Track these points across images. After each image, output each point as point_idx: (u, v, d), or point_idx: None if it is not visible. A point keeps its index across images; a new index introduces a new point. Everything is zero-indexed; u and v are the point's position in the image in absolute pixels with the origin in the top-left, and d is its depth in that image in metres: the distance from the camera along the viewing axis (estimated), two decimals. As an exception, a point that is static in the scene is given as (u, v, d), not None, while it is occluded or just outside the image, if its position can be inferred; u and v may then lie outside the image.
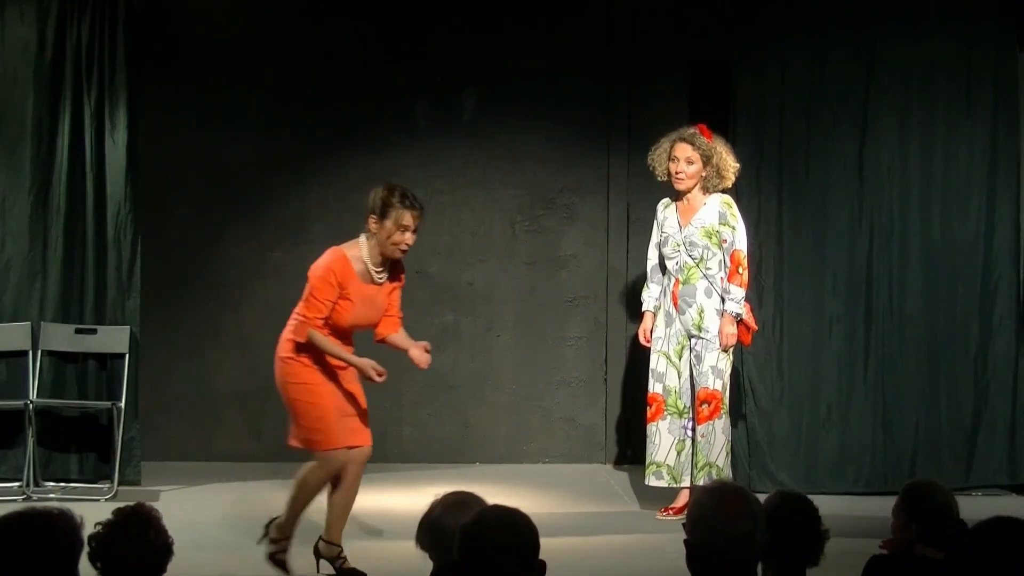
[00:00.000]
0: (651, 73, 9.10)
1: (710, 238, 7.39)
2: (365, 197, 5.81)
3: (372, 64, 9.05)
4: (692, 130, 7.45)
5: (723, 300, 7.38)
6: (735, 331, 7.38)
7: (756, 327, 7.65)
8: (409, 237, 5.97)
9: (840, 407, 8.30)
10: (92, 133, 8.16)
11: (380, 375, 5.97)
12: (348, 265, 5.97)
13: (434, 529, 3.67)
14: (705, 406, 7.37)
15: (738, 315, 7.39)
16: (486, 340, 9.20)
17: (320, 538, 6.15)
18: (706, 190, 7.44)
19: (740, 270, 7.38)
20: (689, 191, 7.43)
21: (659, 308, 7.54)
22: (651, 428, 7.50)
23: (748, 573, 3.29)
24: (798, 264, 8.35)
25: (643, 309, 7.62)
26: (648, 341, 7.56)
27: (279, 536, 6.12)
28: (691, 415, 7.44)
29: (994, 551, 3.28)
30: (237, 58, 9.01)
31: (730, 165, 7.45)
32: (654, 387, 7.51)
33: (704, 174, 7.40)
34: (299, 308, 5.97)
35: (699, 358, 7.39)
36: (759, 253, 8.31)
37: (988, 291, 8.31)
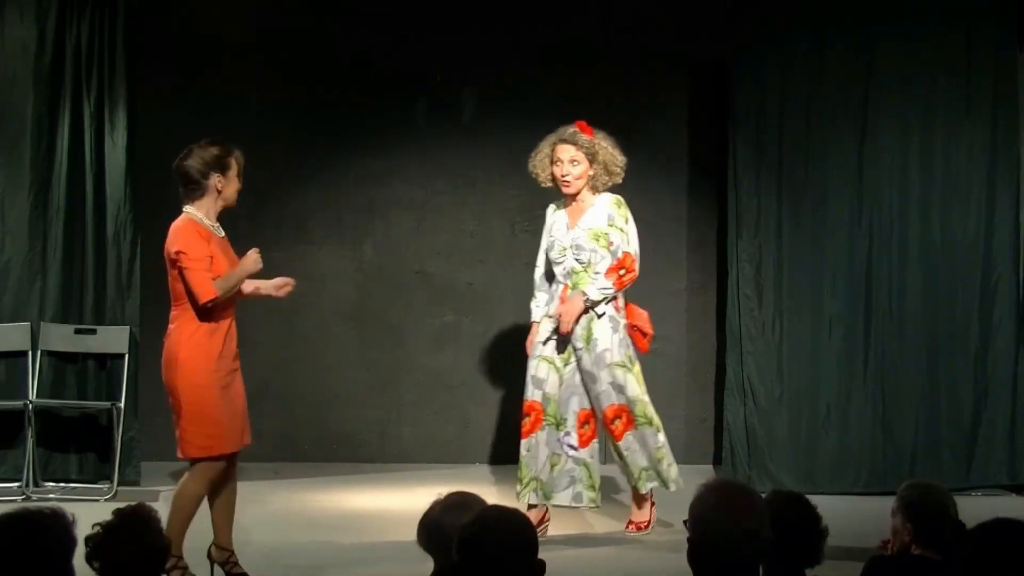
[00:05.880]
0: (651, 73, 9.10)
1: (598, 240, 6.86)
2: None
3: (372, 64, 9.05)
4: (572, 129, 6.94)
5: (607, 303, 6.83)
6: (577, 312, 6.74)
7: (652, 332, 7.07)
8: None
9: (840, 407, 8.30)
10: (92, 133, 8.16)
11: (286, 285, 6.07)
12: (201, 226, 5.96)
13: (434, 530, 3.68)
14: (617, 421, 6.83)
15: (589, 300, 6.76)
16: (486, 340, 9.19)
17: (212, 544, 5.98)
18: (595, 189, 6.94)
19: (622, 272, 6.84)
20: (578, 193, 6.95)
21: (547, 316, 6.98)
22: (529, 441, 6.87)
23: (751, 572, 3.28)
24: (798, 264, 8.35)
25: (531, 320, 7.07)
26: None
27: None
28: (567, 428, 6.87)
29: (993, 553, 3.27)
30: (237, 58, 9.02)
31: (618, 160, 6.93)
32: (533, 394, 6.87)
33: (592, 172, 6.90)
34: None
35: (593, 378, 6.81)
36: (759, 253, 8.32)
37: (988, 291, 8.31)
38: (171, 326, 5.89)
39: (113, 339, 8.10)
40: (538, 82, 9.03)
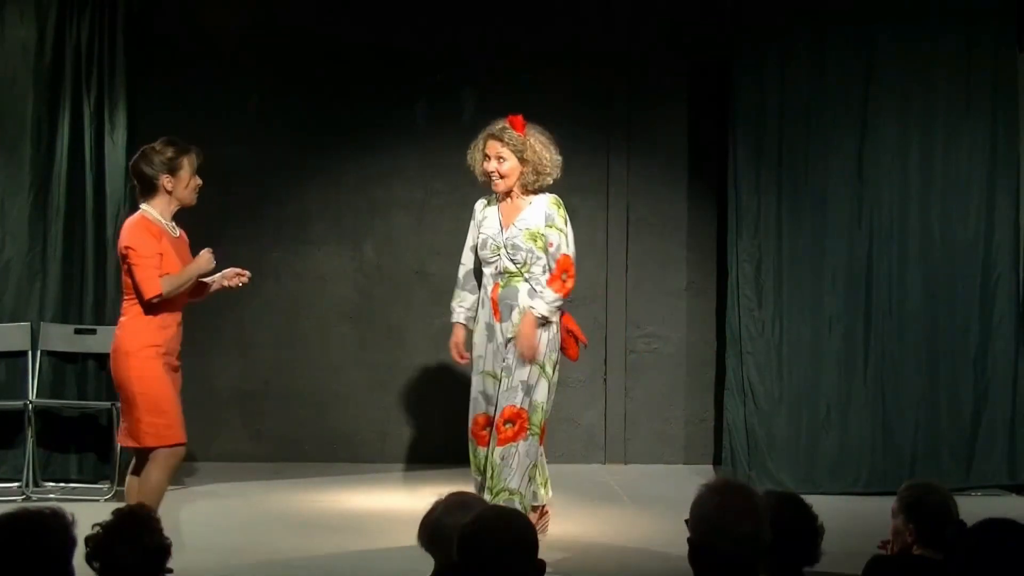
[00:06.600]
0: (651, 73, 9.10)
1: (535, 241, 6.48)
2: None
3: (372, 64, 9.05)
4: (502, 124, 6.53)
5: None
6: (536, 334, 6.40)
7: (585, 340, 6.81)
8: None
9: (840, 407, 8.30)
10: (92, 133, 8.16)
11: (238, 276, 6.19)
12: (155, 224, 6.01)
13: (435, 530, 3.68)
14: (509, 425, 6.42)
15: (542, 316, 6.42)
16: (486, 340, 9.18)
17: None
18: (525, 189, 6.54)
19: (564, 277, 6.47)
20: (509, 191, 6.57)
21: (474, 320, 6.66)
22: (482, 452, 6.55)
23: (751, 573, 3.28)
24: (798, 264, 8.35)
25: (452, 320, 6.74)
26: (463, 358, 6.66)
27: None
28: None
29: (990, 553, 3.27)
30: (237, 58, 9.01)
31: (548, 161, 6.51)
32: (487, 410, 6.53)
33: (522, 170, 6.50)
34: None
35: (509, 370, 6.45)
36: (759, 253, 8.32)
37: (988, 291, 8.32)
38: (122, 318, 6.00)
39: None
40: (538, 82, 9.03)
